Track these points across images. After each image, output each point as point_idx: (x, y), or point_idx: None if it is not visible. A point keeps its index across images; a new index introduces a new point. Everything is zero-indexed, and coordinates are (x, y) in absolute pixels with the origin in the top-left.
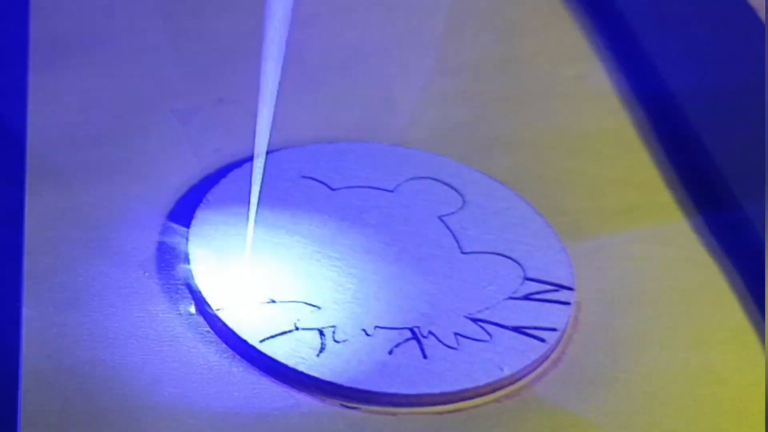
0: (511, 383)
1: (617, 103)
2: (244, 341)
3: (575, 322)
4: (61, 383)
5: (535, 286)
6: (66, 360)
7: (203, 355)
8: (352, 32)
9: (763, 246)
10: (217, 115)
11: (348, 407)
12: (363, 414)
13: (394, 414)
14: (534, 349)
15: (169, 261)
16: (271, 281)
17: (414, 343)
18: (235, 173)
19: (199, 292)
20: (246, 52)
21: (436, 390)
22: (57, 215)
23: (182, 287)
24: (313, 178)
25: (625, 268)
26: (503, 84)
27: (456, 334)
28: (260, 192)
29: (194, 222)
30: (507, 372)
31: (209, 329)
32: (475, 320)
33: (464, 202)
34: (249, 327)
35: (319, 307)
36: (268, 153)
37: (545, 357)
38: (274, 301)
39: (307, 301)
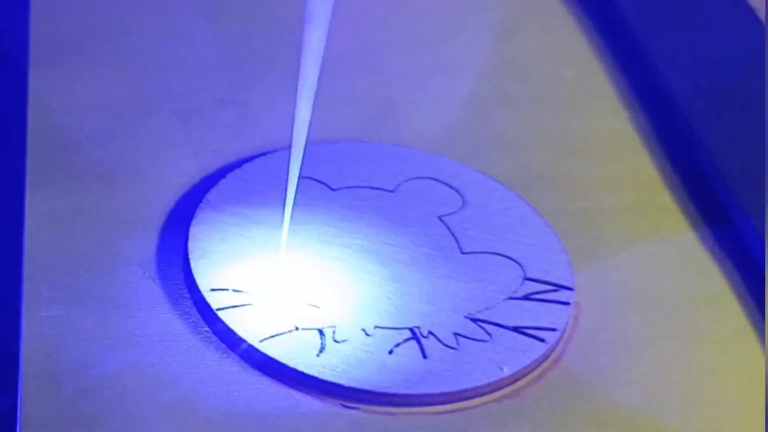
0: (511, 383)
1: (617, 103)
2: (244, 341)
3: (575, 322)
4: (61, 383)
5: (535, 286)
6: (66, 360)
7: (203, 355)
8: (352, 32)
9: (763, 246)
10: (217, 115)
11: (348, 407)
12: (363, 414)
13: (394, 414)
14: (534, 349)
15: (169, 261)
16: (271, 281)
17: (414, 343)
18: (235, 173)
19: (199, 292)
20: (246, 52)
21: (436, 390)
22: (57, 215)
23: (182, 287)
24: (313, 178)
25: (625, 268)
26: (503, 84)
27: (456, 334)
28: (260, 191)
29: (194, 222)
30: (507, 372)
31: (209, 329)
32: (475, 320)
33: (464, 202)
34: (249, 327)
35: (319, 307)
36: (268, 153)
37: (545, 357)
38: (274, 301)
39: (307, 301)
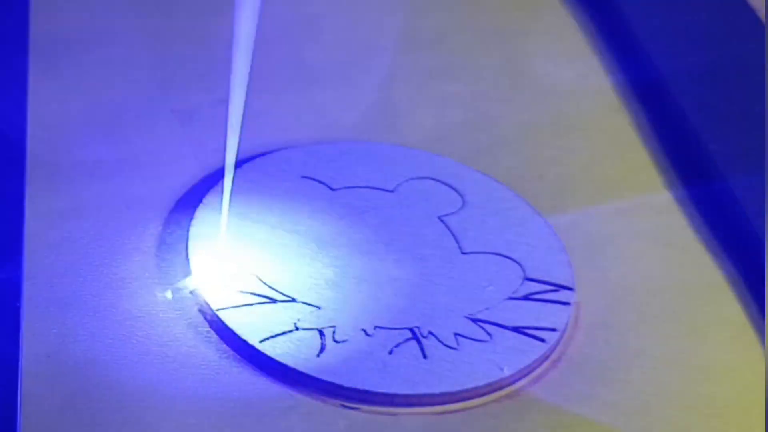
0: (511, 383)
1: (617, 103)
2: (244, 341)
3: (575, 322)
4: (61, 383)
5: (535, 286)
6: (66, 360)
7: (203, 355)
8: (352, 32)
9: (762, 245)
10: (217, 115)
11: (348, 407)
12: (363, 414)
13: (394, 414)
14: (534, 349)
15: (169, 261)
16: (271, 281)
17: (414, 343)
18: (235, 173)
19: (199, 292)
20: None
21: (436, 390)
22: (57, 215)
23: (182, 287)
24: (313, 178)
25: (625, 268)
26: (503, 84)
27: (456, 334)
28: (260, 191)
29: (194, 222)
30: (507, 372)
31: (209, 329)
32: (475, 320)
33: (464, 202)
34: (249, 327)
35: (319, 307)
36: (268, 153)
37: (545, 357)
38: (274, 301)
39: (307, 301)
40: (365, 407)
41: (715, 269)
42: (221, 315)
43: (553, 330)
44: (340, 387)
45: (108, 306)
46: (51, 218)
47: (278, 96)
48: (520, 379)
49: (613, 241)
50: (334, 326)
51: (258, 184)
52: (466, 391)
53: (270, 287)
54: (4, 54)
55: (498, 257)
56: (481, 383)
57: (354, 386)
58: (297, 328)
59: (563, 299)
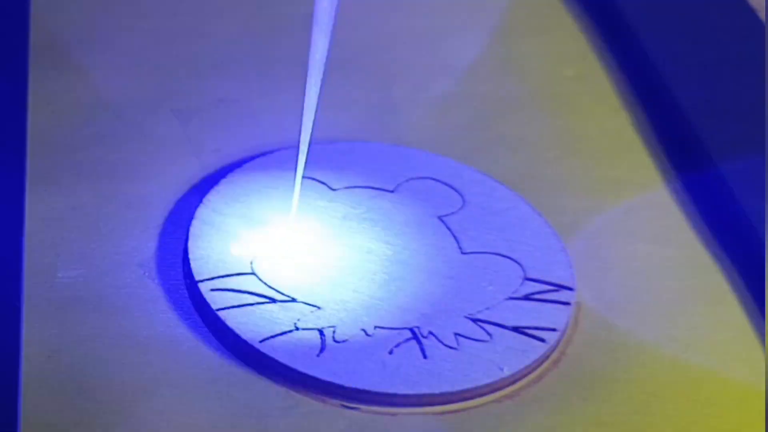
0: (511, 383)
1: (617, 103)
2: (244, 341)
3: (575, 322)
4: (61, 383)
5: (535, 286)
6: (66, 360)
7: (203, 355)
8: (352, 32)
9: (763, 246)
10: (217, 115)
11: (348, 407)
12: (363, 414)
13: (394, 414)
14: (534, 349)
15: (169, 261)
16: (271, 281)
17: (414, 343)
18: (235, 173)
19: (199, 292)
20: (246, 52)
21: (436, 390)
22: (57, 215)
23: (182, 287)
24: (313, 178)
25: (625, 268)
26: (503, 84)
27: (456, 334)
28: (260, 191)
29: (194, 222)
30: (507, 372)
31: (209, 329)
32: (475, 320)
33: (464, 202)
34: (249, 327)
35: (319, 307)
36: (268, 153)
37: (545, 357)
38: (274, 301)
39: (307, 301)
40: (365, 407)
41: (715, 269)
42: (221, 315)
43: (553, 330)
44: (340, 387)
45: (108, 306)
46: (51, 218)
47: (278, 96)
48: (520, 379)
49: (613, 241)
50: (334, 326)
51: (258, 184)
52: (466, 391)
53: (270, 287)
54: (4, 54)
55: (498, 257)
56: (481, 383)
57: (354, 386)
58: (297, 328)
59: (563, 299)
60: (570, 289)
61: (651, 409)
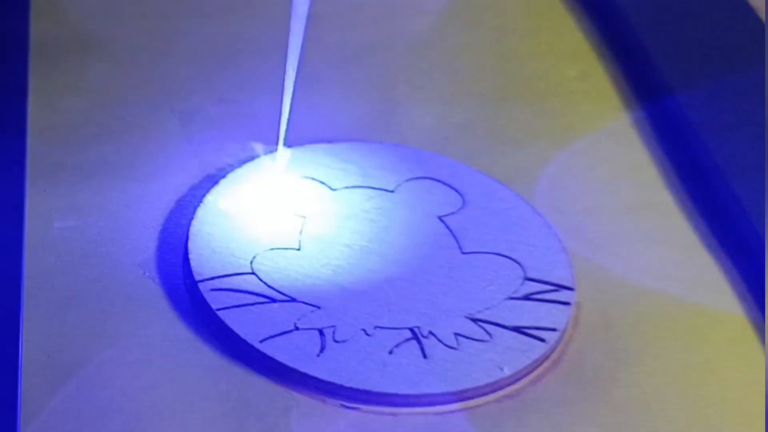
0: (511, 383)
1: (617, 103)
2: (244, 341)
3: (575, 322)
4: (61, 383)
5: (535, 286)
6: (66, 360)
7: (203, 355)
8: (353, 32)
9: (763, 245)
10: (217, 115)
11: (348, 407)
12: (363, 414)
13: (394, 414)
14: (534, 349)
15: (169, 261)
16: (271, 281)
17: (414, 343)
18: (235, 173)
19: (199, 292)
20: (246, 52)
21: (436, 390)
22: (57, 215)
23: (182, 287)
24: (313, 178)
25: (625, 268)
26: (503, 84)
27: (456, 334)
28: (260, 191)
29: (194, 222)
30: (507, 372)
31: (209, 329)
32: (475, 320)
33: (464, 202)
34: (249, 327)
35: (319, 307)
36: (268, 153)
37: (545, 357)
38: (273, 301)
39: (307, 301)
40: (365, 407)
41: (715, 269)
42: (221, 315)
43: (553, 330)
44: (340, 387)
45: (108, 306)
46: (51, 218)
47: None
48: (520, 379)
49: (613, 241)
50: (334, 326)
51: (258, 184)
52: (466, 391)
53: (270, 287)
54: (4, 54)
55: (498, 257)
56: (481, 383)
57: (354, 386)
58: (297, 328)
59: (563, 299)
60: (570, 289)
61: (651, 409)
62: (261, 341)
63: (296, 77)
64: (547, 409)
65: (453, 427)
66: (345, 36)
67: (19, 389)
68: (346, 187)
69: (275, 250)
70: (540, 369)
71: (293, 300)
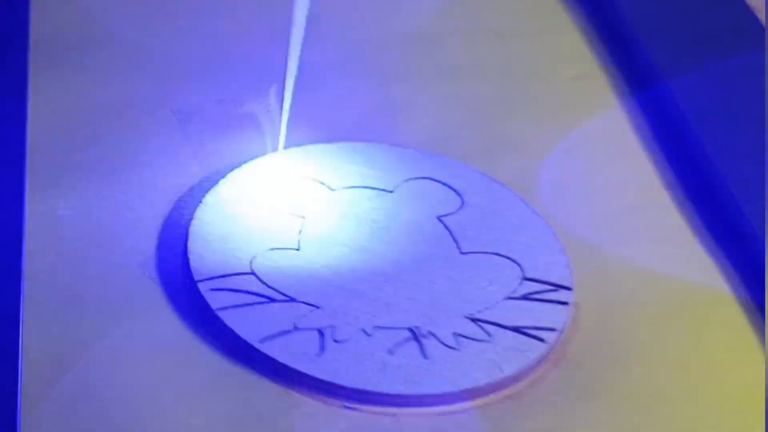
0: (511, 383)
1: (617, 103)
2: (244, 341)
3: (575, 322)
4: (61, 383)
5: (534, 286)
6: (66, 360)
7: (203, 355)
8: (352, 32)
9: (762, 246)
10: (217, 115)
11: (348, 407)
12: (363, 414)
13: (394, 414)
14: (534, 349)
15: (169, 261)
16: (270, 281)
17: (414, 343)
18: (235, 173)
19: (199, 292)
20: (246, 51)
21: (436, 390)
22: (57, 215)
23: (182, 287)
24: (313, 178)
25: (624, 268)
26: (503, 84)
27: (456, 334)
28: (260, 191)
29: (194, 222)
30: (507, 372)
31: (209, 329)
32: (474, 320)
33: (463, 202)
34: (249, 327)
35: (318, 307)
36: (267, 153)
37: (545, 357)
38: (273, 301)
39: (307, 301)
40: (365, 407)
41: (715, 269)
42: (221, 315)
43: (553, 330)
44: (340, 387)
45: (108, 306)
46: (51, 218)
47: (278, 95)
48: (520, 379)
49: (613, 241)
50: (333, 326)
51: (258, 185)
52: (466, 391)
53: (269, 287)
54: (4, 54)
55: (497, 257)
56: (481, 383)
57: (354, 386)
58: (296, 328)
59: (562, 299)
60: (569, 289)
61: (651, 409)
62: (261, 341)
63: (296, 77)
64: (547, 409)
65: (453, 427)
66: (345, 36)
67: (19, 389)
68: (346, 187)
69: (275, 250)
70: (540, 369)
71: (293, 300)
